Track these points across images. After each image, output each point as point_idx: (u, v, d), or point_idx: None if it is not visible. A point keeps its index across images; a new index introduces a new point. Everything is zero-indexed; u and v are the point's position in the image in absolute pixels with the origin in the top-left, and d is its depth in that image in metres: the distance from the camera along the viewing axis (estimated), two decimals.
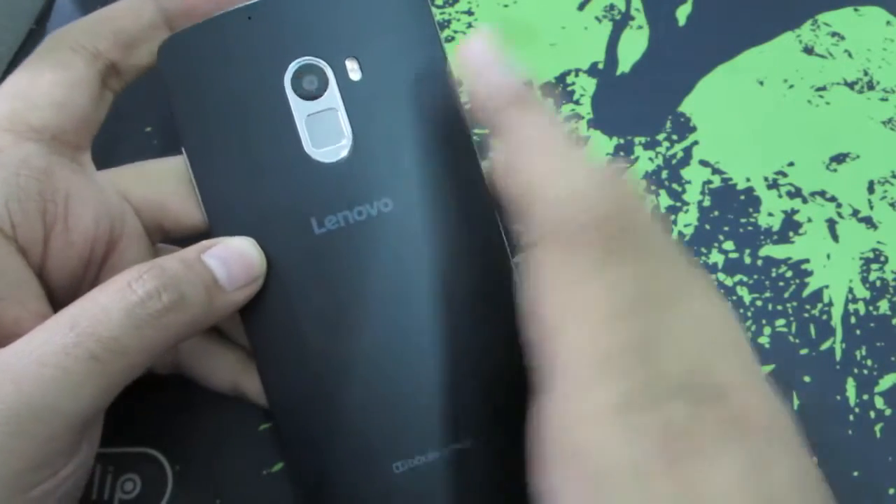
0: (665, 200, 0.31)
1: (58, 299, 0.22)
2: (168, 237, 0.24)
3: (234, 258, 0.21)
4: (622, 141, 0.32)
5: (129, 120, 0.23)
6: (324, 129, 0.22)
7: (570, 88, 0.33)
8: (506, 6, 0.35)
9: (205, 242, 0.21)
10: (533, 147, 0.19)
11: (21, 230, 0.20)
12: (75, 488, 0.20)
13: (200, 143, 0.22)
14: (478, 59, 0.20)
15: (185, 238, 0.24)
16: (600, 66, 0.34)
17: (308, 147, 0.22)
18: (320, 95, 0.22)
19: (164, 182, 0.23)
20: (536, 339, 0.18)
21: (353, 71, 0.23)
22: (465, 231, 0.22)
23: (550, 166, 0.18)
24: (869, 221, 0.31)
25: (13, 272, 0.20)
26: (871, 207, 0.31)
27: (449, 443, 0.22)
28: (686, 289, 0.19)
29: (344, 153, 0.22)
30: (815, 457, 0.26)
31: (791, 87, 0.34)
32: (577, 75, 0.33)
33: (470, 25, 0.34)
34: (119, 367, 0.19)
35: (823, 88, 0.34)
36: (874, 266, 0.30)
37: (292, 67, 0.22)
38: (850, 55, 0.35)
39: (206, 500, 0.25)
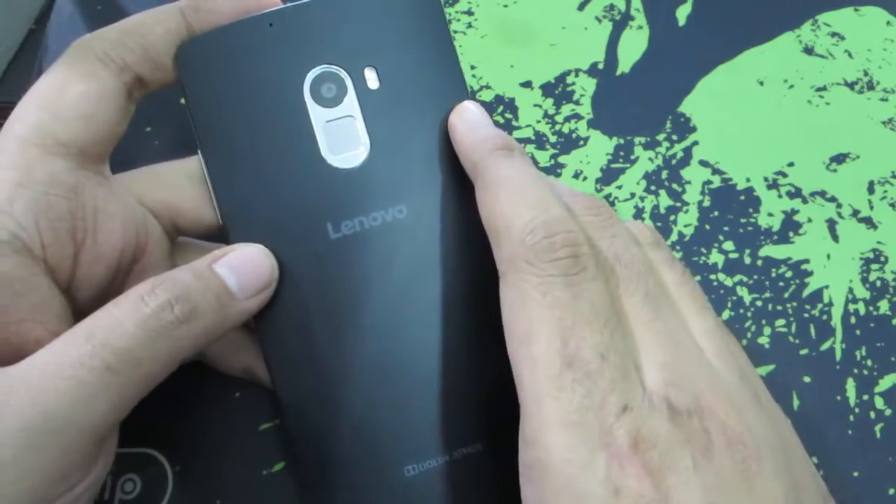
0: (665, 200, 0.31)
1: (85, 310, 0.22)
2: (185, 235, 0.25)
3: (245, 266, 0.21)
4: (622, 141, 0.32)
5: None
6: (341, 136, 0.23)
7: (570, 88, 0.33)
8: (506, 6, 0.35)
9: (216, 252, 0.21)
10: (505, 185, 0.20)
11: (51, 250, 0.20)
12: (88, 503, 0.20)
13: (217, 146, 0.22)
14: (470, 115, 0.23)
15: (201, 236, 0.24)
16: (600, 66, 0.34)
17: (325, 153, 0.23)
18: (338, 103, 0.23)
19: (178, 184, 0.24)
20: (511, 361, 0.19)
21: (372, 80, 0.23)
22: (477, 239, 0.22)
23: (518, 200, 0.20)
24: (869, 222, 0.31)
25: (38, 293, 0.20)
26: (871, 208, 0.31)
27: (460, 446, 0.22)
28: (653, 308, 0.19)
29: (361, 160, 0.23)
30: (814, 457, 0.26)
31: (791, 87, 0.34)
32: (577, 75, 0.33)
33: (470, 25, 0.34)
34: (134, 378, 0.19)
35: (823, 88, 0.34)
36: (874, 266, 0.30)
37: (311, 74, 0.23)
38: (850, 55, 0.35)
39: (206, 500, 0.25)
